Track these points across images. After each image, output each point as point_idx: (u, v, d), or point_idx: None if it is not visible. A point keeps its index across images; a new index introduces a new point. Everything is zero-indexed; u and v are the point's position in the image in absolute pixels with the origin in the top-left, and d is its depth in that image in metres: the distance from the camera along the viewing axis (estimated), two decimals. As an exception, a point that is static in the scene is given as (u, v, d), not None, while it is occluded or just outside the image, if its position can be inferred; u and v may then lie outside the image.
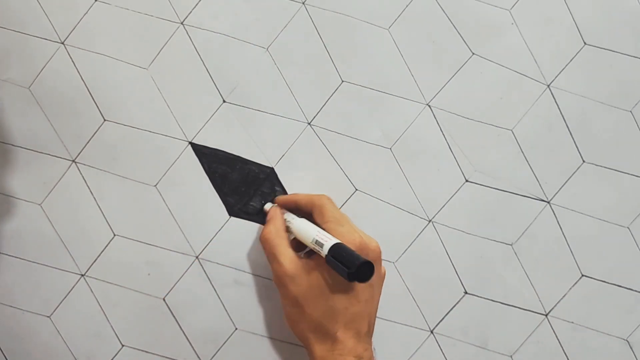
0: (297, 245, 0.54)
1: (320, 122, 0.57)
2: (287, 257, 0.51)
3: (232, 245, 0.57)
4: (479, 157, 0.57)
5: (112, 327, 0.57)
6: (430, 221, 0.57)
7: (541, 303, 0.58)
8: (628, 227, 0.58)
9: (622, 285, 0.58)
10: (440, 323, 0.58)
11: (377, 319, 0.57)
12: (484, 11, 0.57)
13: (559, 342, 0.58)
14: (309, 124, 0.57)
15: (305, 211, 0.55)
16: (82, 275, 0.57)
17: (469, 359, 0.58)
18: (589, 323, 0.58)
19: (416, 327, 0.58)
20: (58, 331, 0.57)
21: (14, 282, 0.57)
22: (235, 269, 0.57)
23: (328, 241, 0.49)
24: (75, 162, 0.57)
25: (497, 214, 0.57)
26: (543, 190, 0.57)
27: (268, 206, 0.57)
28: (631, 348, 0.58)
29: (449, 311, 0.58)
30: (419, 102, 0.57)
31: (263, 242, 0.53)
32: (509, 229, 0.58)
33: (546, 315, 0.58)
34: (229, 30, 0.56)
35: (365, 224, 0.57)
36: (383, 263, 0.57)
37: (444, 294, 0.58)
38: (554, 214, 0.58)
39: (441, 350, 0.58)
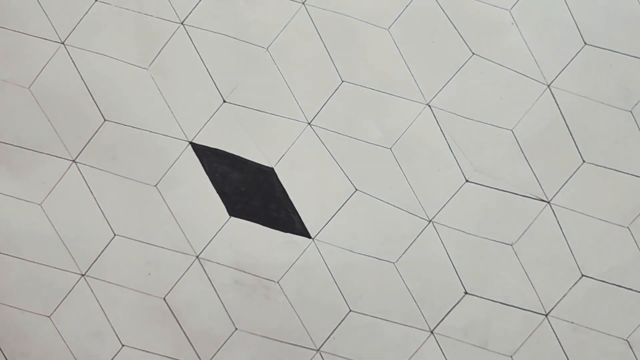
0: None
1: (320, 122, 0.57)
2: None
3: (232, 245, 0.57)
4: (479, 157, 0.57)
5: (112, 327, 0.57)
6: (430, 221, 0.57)
7: (541, 303, 0.58)
8: (628, 227, 0.58)
9: (622, 285, 0.58)
10: (440, 323, 0.58)
11: (377, 319, 0.57)
12: (484, 11, 0.57)
13: (559, 342, 0.58)
14: (309, 124, 0.57)
15: None
16: (82, 275, 0.57)
17: (469, 359, 0.58)
18: (589, 323, 0.58)
19: (416, 327, 0.58)
20: (58, 331, 0.57)
21: (14, 282, 0.57)
22: (235, 269, 0.57)
23: None
24: (75, 162, 0.57)
25: (497, 214, 0.57)
26: (543, 190, 0.57)
27: None
28: (631, 348, 0.58)
29: (449, 311, 0.58)
30: (419, 102, 0.57)
31: None
32: (509, 229, 0.58)
33: (546, 315, 0.58)
34: (229, 30, 0.56)
35: (365, 224, 0.57)
36: (383, 264, 0.57)
37: (444, 294, 0.58)
38: (554, 214, 0.57)
39: (441, 350, 0.58)
